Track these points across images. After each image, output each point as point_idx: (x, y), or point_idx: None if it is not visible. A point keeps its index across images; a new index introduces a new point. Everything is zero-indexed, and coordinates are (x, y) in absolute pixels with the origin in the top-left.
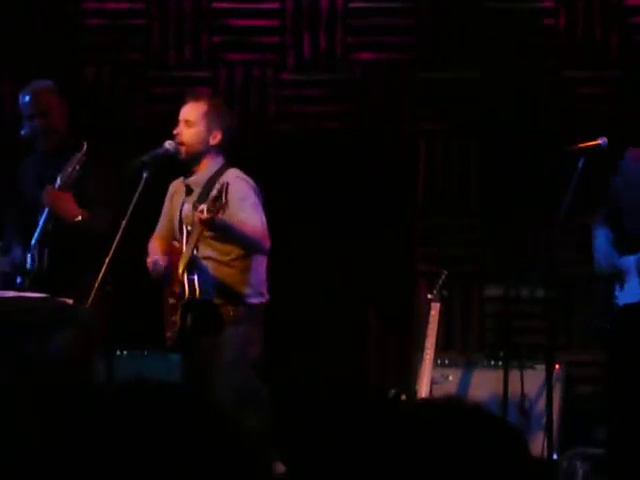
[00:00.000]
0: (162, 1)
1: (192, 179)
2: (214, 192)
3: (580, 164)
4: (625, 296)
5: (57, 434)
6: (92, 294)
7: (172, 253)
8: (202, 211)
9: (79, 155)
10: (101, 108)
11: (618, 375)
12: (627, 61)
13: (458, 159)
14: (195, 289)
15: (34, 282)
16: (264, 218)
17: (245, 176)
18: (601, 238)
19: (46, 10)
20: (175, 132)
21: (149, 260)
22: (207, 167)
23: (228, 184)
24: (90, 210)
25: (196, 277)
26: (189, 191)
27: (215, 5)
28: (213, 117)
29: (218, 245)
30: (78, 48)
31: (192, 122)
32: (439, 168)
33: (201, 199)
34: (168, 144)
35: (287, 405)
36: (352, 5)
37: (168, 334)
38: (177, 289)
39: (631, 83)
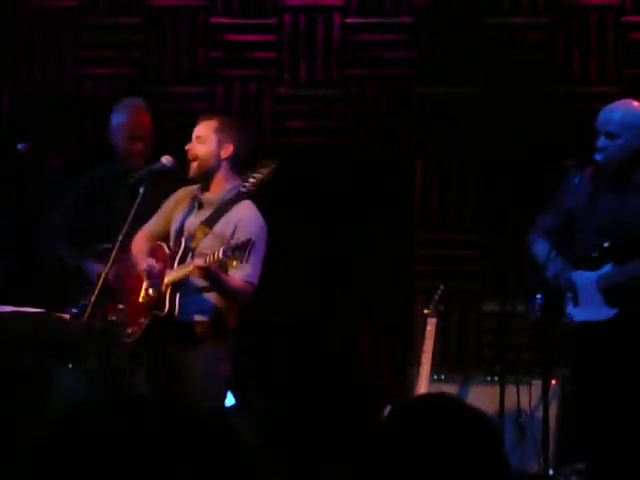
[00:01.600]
0: (159, 16)
1: (206, 195)
2: (238, 241)
3: (576, 179)
4: (583, 313)
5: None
6: (89, 308)
7: (156, 253)
8: (206, 258)
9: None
10: (98, 122)
11: (589, 397)
12: (625, 76)
13: (456, 175)
14: (175, 307)
15: None
16: (257, 274)
17: (258, 213)
18: (545, 248)
19: (43, 23)
20: (187, 147)
21: (144, 265)
22: (221, 186)
23: (254, 243)
24: None
25: (178, 296)
26: (200, 206)
27: (212, 20)
28: (224, 131)
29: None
30: (76, 62)
31: (203, 137)
32: (436, 184)
33: (211, 221)
34: (165, 159)
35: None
36: (349, 21)
37: (129, 330)
38: (154, 294)
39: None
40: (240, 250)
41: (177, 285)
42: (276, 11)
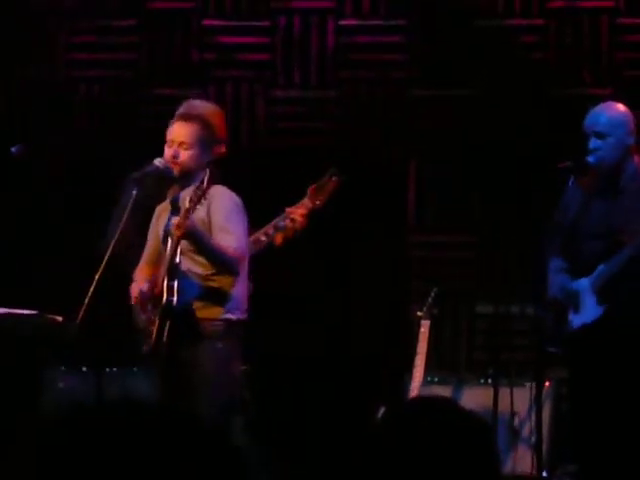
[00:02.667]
0: (152, 18)
1: (183, 194)
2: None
3: (570, 182)
4: (580, 317)
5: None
6: (81, 311)
7: (158, 266)
8: (180, 218)
9: None
10: (93, 125)
11: (582, 398)
12: (617, 78)
13: (451, 177)
14: (173, 294)
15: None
16: (243, 241)
17: (230, 192)
18: (552, 269)
19: (35, 26)
20: (172, 154)
21: (133, 292)
22: (189, 182)
23: (210, 176)
24: None
25: (175, 283)
26: (175, 207)
27: (205, 22)
28: (207, 136)
29: (199, 258)
30: (69, 65)
31: (189, 145)
32: (431, 186)
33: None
34: (158, 162)
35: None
36: (343, 23)
37: (145, 347)
38: (157, 296)
39: (621, 101)
40: (198, 190)
41: (172, 273)
42: (270, 13)
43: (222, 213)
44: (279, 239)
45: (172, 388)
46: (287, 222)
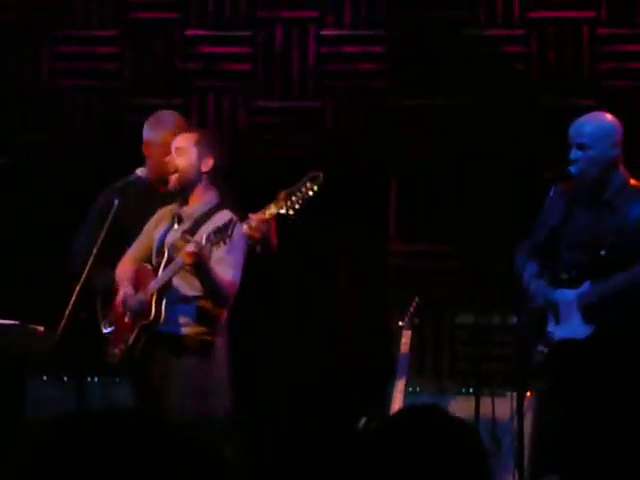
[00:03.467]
0: (134, 28)
1: (185, 209)
2: (219, 224)
3: (551, 192)
4: (563, 331)
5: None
6: (63, 321)
7: (141, 274)
8: (195, 243)
9: None
10: (76, 135)
11: (564, 409)
12: (599, 88)
13: (432, 186)
14: (161, 314)
15: None
16: (239, 276)
17: (237, 220)
18: (528, 274)
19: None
20: (166, 159)
21: (120, 296)
22: (201, 200)
23: (236, 221)
24: None
25: (164, 303)
26: (179, 220)
27: (187, 33)
28: (204, 144)
29: (191, 279)
30: (52, 74)
31: (183, 149)
32: (413, 195)
33: (192, 231)
34: (140, 171)
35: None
36: (324, 33)
37: (116, 350)
38: (141, 309)
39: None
40: (222, 233)
41: (162, 292)
42: (251, 23)
43: (228, 247)
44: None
45: (144, 399)
46: (245, 227)
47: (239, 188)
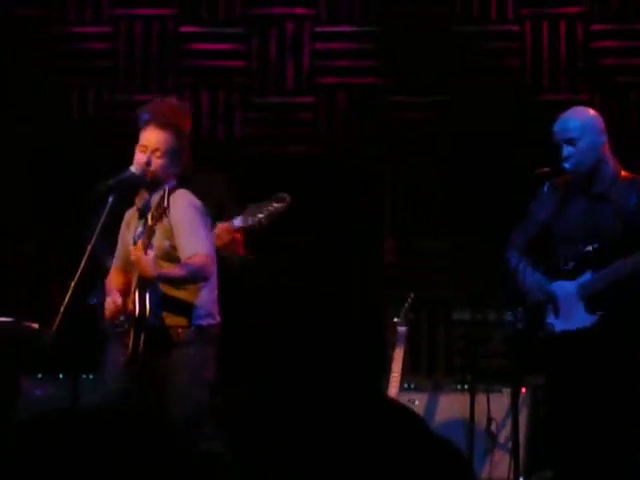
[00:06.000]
0: (128, 25)
1: (145, 202)
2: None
3: (545, 188)
4: (564, 323)
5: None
6: (58, 318)
7: (128, 274)
8: (137, 249)
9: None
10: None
11: (560, 403)
12: (593, 84)
13: (427, 183)
14: (145, 307)
15: None
16: (208, 244)
17: (191, 196)
18: (525, 266)
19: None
20: (145, 161)
21: (108, 306)
22: (157, 189)
23: (169, 190)
24: None
25: (148, 295)
26: (142, 214)
27: (182, 29)
28: (179, 144)
29: (167, 265)
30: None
31: (162, 153)
32: (408, 192)
33: (153, 218)
34: (134, 168)
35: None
36: (318, 29)
37: (122, 358)
38: (130, 308)
39: (598, 105)
40: (159, 207)
41: (144, 285)
42: (245, 19)
43: (183, 219)
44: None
45: (146, 395)
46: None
47: (233, 184)
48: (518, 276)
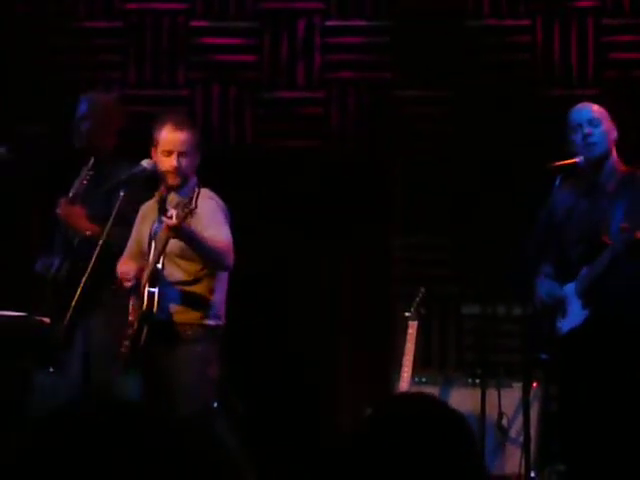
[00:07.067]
0: (139, 19)
1: (171, 196)
2: (184, 199)
3: (557, 182)
4: (568, 322)
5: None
6: (69, 313)
7: (141, 271)
8: (171, 216)
9: (86, 169)
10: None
11: (571, 400)
12: (604, 79)
13: (437, 178)
14: (153, 303)
15: (53, 289)
16: (230, 235)
17: (215, 196)
18: (543, 274)
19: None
20: (175, 165)
21: (121, 271)
22: (183, 188)
23: (199, 191)
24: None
25: (157, 291)
26: (163, 210)
27: (192, 24)
28: (199, 143)
29: (182, 263)
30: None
31: (187, 153)
32: (418, 187)
33: (178, 217)
34: (146, 163)
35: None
36: (329, 24)
37: (122, 349)
38: (138, 302)
39: (607, 101)
40: (186, 206)
41: (153, 280)
42: (256, 14)
43: (206, 215)
44: None
45: (152, 390)
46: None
47: (244, 179)
48: (535, 283)
